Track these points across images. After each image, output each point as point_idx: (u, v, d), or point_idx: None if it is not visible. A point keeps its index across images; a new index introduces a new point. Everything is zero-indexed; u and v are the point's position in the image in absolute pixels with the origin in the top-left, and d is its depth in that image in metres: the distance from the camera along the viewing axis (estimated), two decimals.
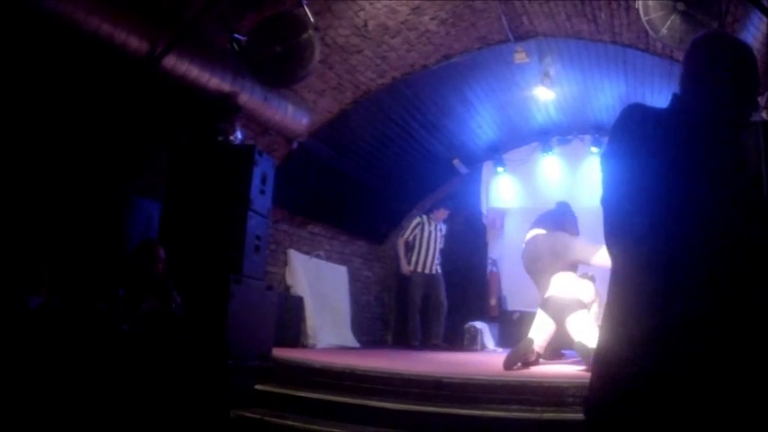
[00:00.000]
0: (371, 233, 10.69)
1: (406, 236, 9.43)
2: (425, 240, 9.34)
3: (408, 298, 9.39)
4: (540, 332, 6.18)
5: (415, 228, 9.41)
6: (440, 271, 9.44)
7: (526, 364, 6.02)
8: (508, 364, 5.85)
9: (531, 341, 6.09)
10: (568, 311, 6.02)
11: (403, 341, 9.64)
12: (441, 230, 9.58)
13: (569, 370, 5.85)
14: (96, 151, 5.69)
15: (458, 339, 9.36)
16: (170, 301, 4.87)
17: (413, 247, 9.36)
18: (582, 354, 5.82)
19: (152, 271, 4.93)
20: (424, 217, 9.51)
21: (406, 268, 9.32)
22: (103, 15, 5.02)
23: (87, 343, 4.26)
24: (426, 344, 9.08)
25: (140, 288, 4.82)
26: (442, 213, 9.54)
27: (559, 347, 6.48)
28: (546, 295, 6.30)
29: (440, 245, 9.47)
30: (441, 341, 9.22)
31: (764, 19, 4.62)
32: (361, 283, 10.20)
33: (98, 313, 4.42)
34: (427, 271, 9.30)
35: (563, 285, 6.27)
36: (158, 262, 4.97)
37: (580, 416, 4.35)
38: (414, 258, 9.31)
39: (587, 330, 5.90)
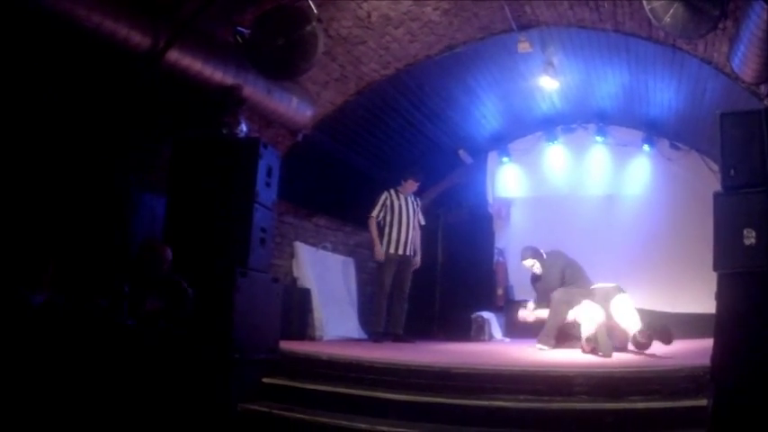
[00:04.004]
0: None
1: (375, 213, 8.36)
2: (396, 216, 8.35)
3: (378, 280, 8.49)
4: (590, 322, 6.30)
5: (383, 204, 8.37)
6: (411, 252, 8.47)
7: (640, 346, 6.13)
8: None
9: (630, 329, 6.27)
10: (612, 295, 6.50)
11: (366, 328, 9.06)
12: (416, 204, 8.64)
13: (578, 359, 5.86)
14: (100, 147, 5.70)
15: (465, 330, 9.37)
16: (182, 298, 4.84)
17: (383, 226, 8.34)
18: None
19: (157, 273, 4.92)
20: (392, 191, 8.48)
21: (380, 253, 8.26)
22: (105, 11, 5.02)
23: (92, 339, 4.27)
24: (389, 334, 8.28)
25: (145, 286, 4.81)
26: (411, 184, 8.51)
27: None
28: (591, 287, 6.90)
29: (413, 221, 8.47)
30: (402, 331, 8.40)
31: (767, 7, 4.59)
32: (367, 275, 10.18)
33: (102, 310, 4.41)
34: (401, 252, 8.32)
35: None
36: (164, 263, 4.94)
37: (587, 405, 4.37)
38: (385, 239, 8.30)
39: (629, 314, 6.24)
